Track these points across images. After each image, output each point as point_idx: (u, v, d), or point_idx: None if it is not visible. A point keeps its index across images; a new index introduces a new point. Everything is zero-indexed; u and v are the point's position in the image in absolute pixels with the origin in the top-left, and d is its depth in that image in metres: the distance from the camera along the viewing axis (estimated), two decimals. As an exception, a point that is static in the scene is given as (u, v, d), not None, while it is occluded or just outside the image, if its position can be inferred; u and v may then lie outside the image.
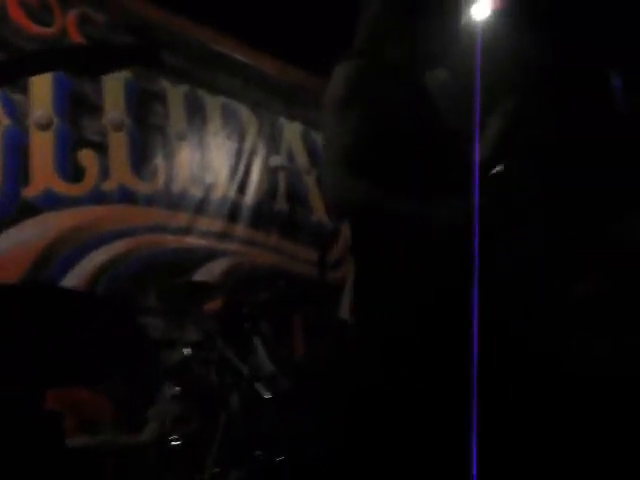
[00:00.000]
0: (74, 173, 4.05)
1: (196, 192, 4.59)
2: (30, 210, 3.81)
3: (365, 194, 1.90)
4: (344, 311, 3.08)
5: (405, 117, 1.97)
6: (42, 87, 3.99)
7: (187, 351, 3.01)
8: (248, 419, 2.62)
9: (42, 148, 3.95)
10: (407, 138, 1.96)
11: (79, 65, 1.74)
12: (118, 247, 4.09)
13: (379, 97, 1.98)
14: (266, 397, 2.58)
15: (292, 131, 5.29)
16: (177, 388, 3.02)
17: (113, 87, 4.30)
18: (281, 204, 5.04)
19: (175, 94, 4.69)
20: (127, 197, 4.24)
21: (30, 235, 3.73)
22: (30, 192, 3.84)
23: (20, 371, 2.55)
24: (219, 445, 2.44)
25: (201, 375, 2.95)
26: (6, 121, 3.85)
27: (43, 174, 3.92)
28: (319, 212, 5.26)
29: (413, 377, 2.01)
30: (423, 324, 1.95)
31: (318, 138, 5.43)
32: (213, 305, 3.92)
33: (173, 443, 2.80)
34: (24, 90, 3.95)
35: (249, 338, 3.03)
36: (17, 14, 3.96)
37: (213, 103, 4.87)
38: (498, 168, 2.05)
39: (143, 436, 3.05)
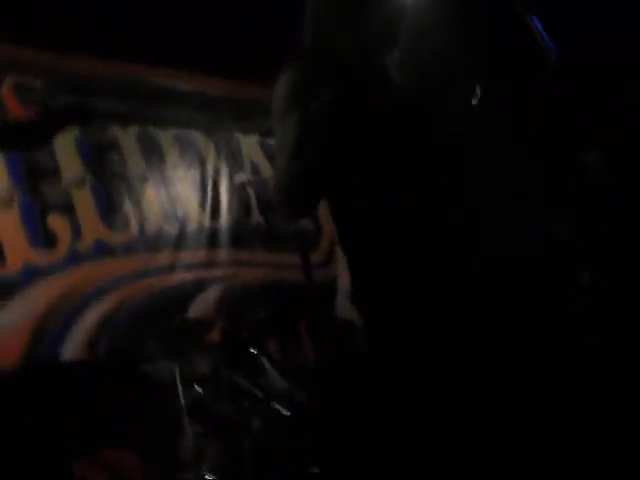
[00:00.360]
0: (47, 240, 4.06)
1: (171, 229, 4.61)
2: (12, 288, 3.82)
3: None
4: (342, 311, 3.11)
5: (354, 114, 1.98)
6: (-5, 166, 4.00)
7: (198, 389, 3.04)
8: (272, 439, 2.64)
9: (10, 225, 3.96)
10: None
11: (25, 139, 1.77)
12: (107, 304, 4.11)
13: (321, 99, 2.00)
14: (285, 414, 2.60)
15: (250, 144, 5.30)
16: (198, 426, 3.05)
17: (64, 147, 4.30)
18: (256, 218, 5.07)
19: (127, 138, 4.70)
20: (104, 251, 4.25)
21: (18, 315, 3.75)
22: (8, 270, 3.85)
23: (43, 448, 2.58)
24: (249, 471, 2.47)
25: (217, 408, 2.97)
26: (-33, 207, 3.86)
27: (18, 250, 3.93)
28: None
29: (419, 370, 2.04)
30: (424, 312, 1.98)
31: (277, 145, 5.45)
32: (213, 336, 3.95)
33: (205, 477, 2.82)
34: (-22, 173, 3.96)
35: (255, 360, 3.05)
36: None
37: (166, 137, 4.88)
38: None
39: None
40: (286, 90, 2.03)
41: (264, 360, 3.06)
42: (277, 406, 2.61)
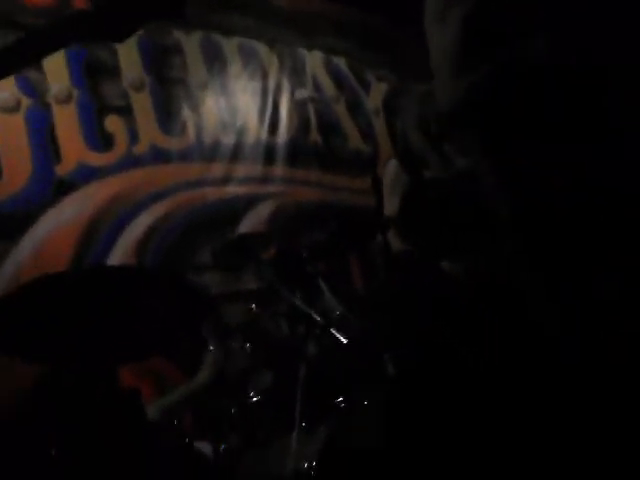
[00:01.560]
0: (103, 142, 3.99)
1: (228, 140, 4.50)
2: (66, 187, 3.77)
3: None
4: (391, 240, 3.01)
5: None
6: (56, 60, 3.91)
7: (253, 307, 2.95)
8: (328, 367, 2.56)
9: (67, 123, 3.89)
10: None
11: (94, 32, 1.66)
12: (157, 211, 4.04)
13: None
14: (342, 342, 2.51)
15: (314, 61, 5.14)
16: (247, 344, 2.96)
17: (127, 48, 4.19)
18: (315, 137, 4.93)
19: (190, 43, 4.57)
20: (160, 157, 4.17)
21: (70, 214, 3.70)
22: (63, 169, 3.80)
23: (90, 354, 2.53)
24: (302, 398, 2.40)
25: (271, 328, 2.89)
26: (26, 102, 3.79)
27: (73, 148, 3.87)
28: (355, 139, 5.14)
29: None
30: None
31: (341, 63, 5.29)
32: (267, 254, 3.88)
33: (253, 399, 2.76)
34: (38, 67, 3.88)
35: (314, 282, 2.95)
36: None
37: (230, 45, 4.74)
38: None
39: (198, 379, 3.02)
40: None
41: (322, 283, 2.95)
42: (335, 333, 2.51)
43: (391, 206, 3.37)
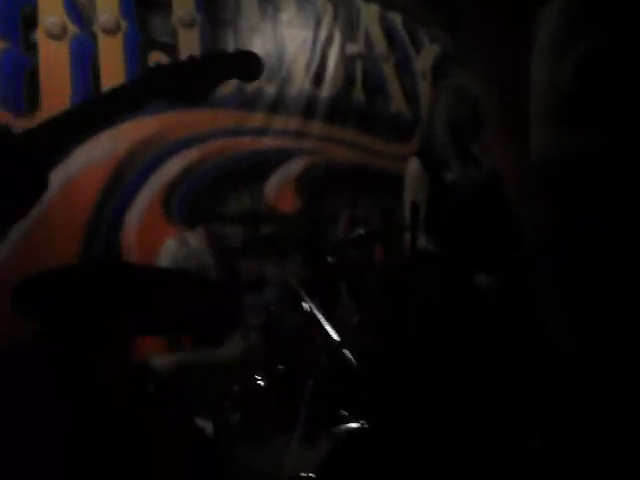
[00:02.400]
0: (145, 78, 3.91)
1: (271, 89, 4.40)
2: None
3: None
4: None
5: None
6: (108, -12, 3.80)
7: (273, 309, 2.94)
8: (335, 385, 2.57)
9: (111, 55, 3.81)
10: None
11: None
12: (190, 155, 4.00)
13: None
14: (353, 365, 2.50)
15: (369, 14, 4.96)
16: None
17: (181, -17, 4.07)
18: (358, 95, 4.82)
19: (246, -17, 4.42)
20: (200, 100, 4.09)
21: (102, 152, 3.67)
22: (101, 102, 3.73)
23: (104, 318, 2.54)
24: (306, 409, 2.42)
25: (286, 331, 2.88)
26: (73, 28, 3.70)
27: (113, 82, 3.78)
28: (398, 101, 5.02)
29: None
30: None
31: (397, 20, 5.12)
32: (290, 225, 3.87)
33: (259, 382, 2.77)
34: (89, -8, 3.78)
35: (335, 286, 2.93)
36: None
37: (286, -11, 4.58)
38: None
39: (227, 351, 3.05)
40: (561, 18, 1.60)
41: (343, 287, 2.92)
42: (346, 354, 2.50)
43: (407, 201, 3.33)
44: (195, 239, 3.33)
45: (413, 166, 3.43)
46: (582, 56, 1.56)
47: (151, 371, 2.78)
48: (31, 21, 3.60)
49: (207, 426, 2.73)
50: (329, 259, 2.89)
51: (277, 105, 4.40)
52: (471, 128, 3.39)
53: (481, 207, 3.33)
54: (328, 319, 2.56)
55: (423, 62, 5.22)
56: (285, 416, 2.57)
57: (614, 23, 1.57)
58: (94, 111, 1.57)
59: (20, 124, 3.47)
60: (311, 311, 2.60)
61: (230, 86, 4.22)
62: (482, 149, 3.47)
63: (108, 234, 3.66)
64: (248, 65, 1.62)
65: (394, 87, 5.00)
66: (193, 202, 3.96)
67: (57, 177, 3.47)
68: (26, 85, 3.54)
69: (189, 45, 4.10)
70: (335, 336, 2.49)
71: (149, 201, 3.82)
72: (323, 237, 4.40)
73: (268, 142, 4.34)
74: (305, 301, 2.62)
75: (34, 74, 3.57)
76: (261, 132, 4.32)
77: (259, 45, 4.39)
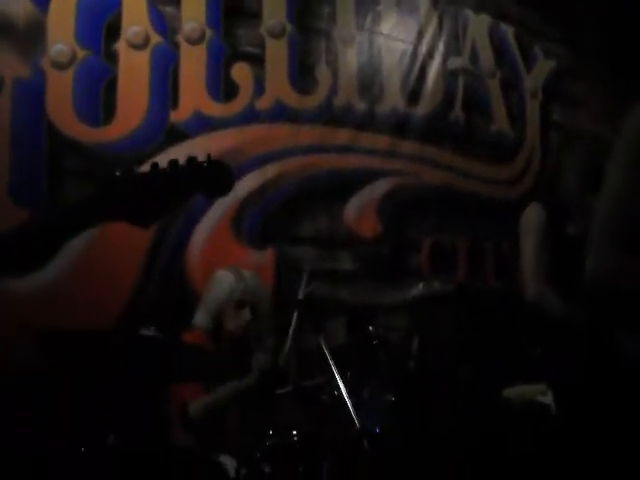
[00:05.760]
0: (226, 91, 3.79)
1: (361, 105, 4.19)
2: (177, 135, 3.63)
3: None
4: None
5: None
6: (195, -4, 3.70)
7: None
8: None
9: (193, 65, 3.71)
10: None
11: None
12: (267, 172, 3.85)
13: None
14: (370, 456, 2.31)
15: (478, 25, 4.66)
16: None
17: (274, -10, 3.92)
18: (457, 113, 4.54)
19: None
20: (283, 114, 3.94)
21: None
22: (179, 116, 3.65)
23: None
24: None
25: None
26: (156, 38, 3.62)
27: (193, 95, 3.70)
28: (501, 121, 4.70)
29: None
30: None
31: (509, 32, 4.78)
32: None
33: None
34: (176, 1, 3.68)
35: (375, 353, 2.73)
36: None
37: (389, -3, 4.34)
38: None
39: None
40: None
41: (383, 355, 2.71)
42: (366, 445, 2.31)
43: (527, 251, 3.08)
44: (249, 273, 3.21)
45: (536, 214, 3.14)
46: None
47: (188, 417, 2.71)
48: (114, 30, 3.53)
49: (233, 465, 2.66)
50: (370, 328, 2.68)
51: (366, 122, 4.19)
52: (600, 181, 3.13)
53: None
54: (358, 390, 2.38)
55: (535, 79, 4.87)
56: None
57: None
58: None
59: (95, 135, 3.44)
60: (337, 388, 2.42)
61: (318, 98, 4.05)
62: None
63: (173, 250, 3.58)
64: (218, 179, 1.45)
65: (498, 105, 4.69)
66: (266, 222, 3.83)
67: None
68: (104, 96, 3.49)
69: (277, 55, 3.95)
70: (357, 422, 2.30)
71: (219, 218, 3.70)
72: (403, 264, 4.19)
73: (354, 160, 4.14)
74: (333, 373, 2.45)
75: (112, 85, 3.51)
76: (347, 149, 4.12)
77: (353, 57, 4.19)
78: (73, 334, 2.23)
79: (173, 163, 1.45)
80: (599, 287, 1.55)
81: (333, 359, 2.48)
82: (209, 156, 1.43)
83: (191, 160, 1.45)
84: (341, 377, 2.44)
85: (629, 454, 2.75)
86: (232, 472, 2.61)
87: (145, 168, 1.46)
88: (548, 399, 3.12)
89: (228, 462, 2.69)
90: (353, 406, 2.36)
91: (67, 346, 2.17)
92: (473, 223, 4.43)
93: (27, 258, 1.63)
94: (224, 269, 3.18)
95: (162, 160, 3.49)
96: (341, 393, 2.41)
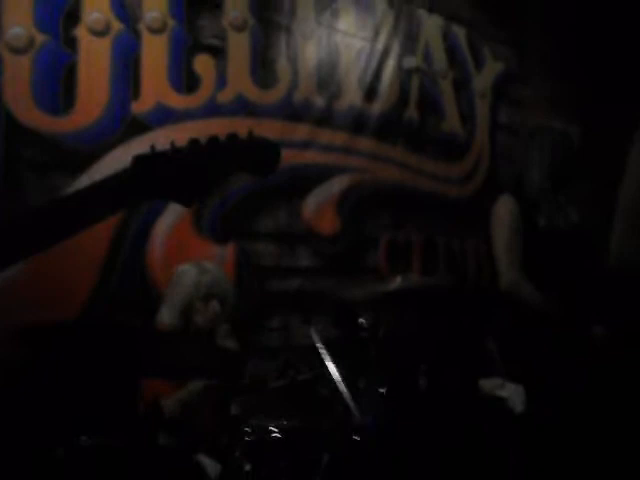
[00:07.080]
0: (188, 83, 3.72)
1: (319, 101, 4.17)
2: (139, 127, 3.53)
3: None
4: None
5: None
6: (157, -15, 3.60)
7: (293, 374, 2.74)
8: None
9: (154, 55, 3.61)
10: None
11: None
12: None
13: None
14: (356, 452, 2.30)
15: (431, 27, 4.70)
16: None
17: (235, -17, 3.85)
18: (411, 112, 4.57)
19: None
20: (244, 108, 3.88)
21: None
22: (140, 107, 3.55)
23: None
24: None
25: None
26: (117, 26, 3.51)
27: (154, 85, 3.60)
28: (453, 121, 4.77)
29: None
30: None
31: (460, 35, 4.85)
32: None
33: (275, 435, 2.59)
34: (137, -12, 3.58)
35: (364, 346, 2.71)
36: None
37: (345, -5, 4.33)
38: None
39: None
40: None
41: (373, 348, 2.70)
42: (355, 437, 2.29)
43: (500, 241, 3.14)
44: (212, 265, 3.17)
45: (509, 204, 3.20)
46: None
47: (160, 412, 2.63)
48: (74, 15, 3.41)
49: (213, 466, 2.60)
50: (360, 320, 2.67)
51: (324, 118, 4.17)
52: (567, 177, 3.25)
53: (571, 257, 3.17)
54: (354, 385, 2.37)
55: (483, 81, 4.96)
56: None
57: None
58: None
59: (54, 125, 3.31)
60: (332, 378, 2.40)
61: (278, 94, 4.01)
62: (570, 198, 3.31)
63: (134, 243, 3.48)
64: (261, 157, 1.40)
65: (450, 105, 4.75)
66: (225, 217, 3.77)
67: (86, 181, 3.30)
68: (63, 83, 3.36)
69: (239, 49, 3.89)
70: (356, 412, 2.29)
71: (181, 211, 3.62)
72: (361, 261, 4.21)
73: (311, 156, 4.12)
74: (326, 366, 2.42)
75: (72, 73, 3.39)
76: (305, 145, 4.10)
77: (312, 52, 4.17)
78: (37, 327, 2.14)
79: (213, 139, 1.40)
80: (623, 270, 1.59)
81: (327, 352, 2.45)
82: (250, 132, 1.39)
83: (232, 136, 1.40)
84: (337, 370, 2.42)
85: (601, 441, 2.83)
86: (212, 472, 2.56)
87: (184, 144, 1.40)
88: (505, 393, 3.18)
89: (207, 462, 2.64)
90: (350, 399, 2.34)
91: (32, 340, 2.08)
92: (427, 220, 4.48)
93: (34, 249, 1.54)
94: (186, 264, 3.14)
95: (124, 152, 3.42)
96: (337, 386, 2.39)
